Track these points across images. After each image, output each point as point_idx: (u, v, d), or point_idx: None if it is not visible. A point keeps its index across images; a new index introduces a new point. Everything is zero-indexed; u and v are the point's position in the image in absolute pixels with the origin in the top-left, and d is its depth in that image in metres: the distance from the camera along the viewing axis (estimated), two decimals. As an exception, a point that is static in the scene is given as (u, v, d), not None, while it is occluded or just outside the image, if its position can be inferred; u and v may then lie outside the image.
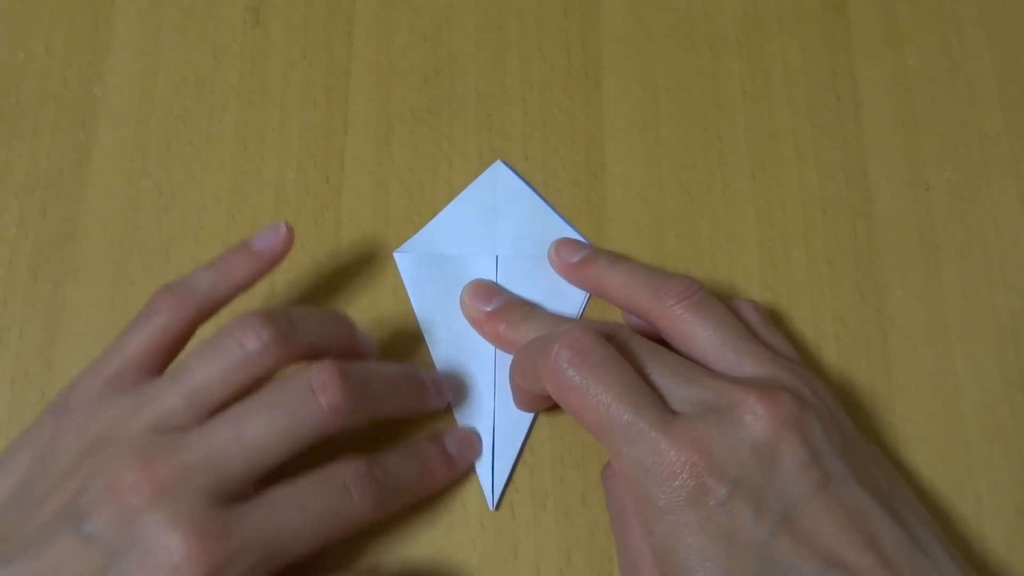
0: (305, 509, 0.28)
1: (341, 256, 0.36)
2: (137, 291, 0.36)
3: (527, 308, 0.34)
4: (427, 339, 0.35)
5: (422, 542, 0.33)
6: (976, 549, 0.33)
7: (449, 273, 0.36)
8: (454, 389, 0.34)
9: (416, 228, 0.37)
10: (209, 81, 0.39)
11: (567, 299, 0.35)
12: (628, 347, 0.30)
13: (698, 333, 0.31)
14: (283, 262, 0.32)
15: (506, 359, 0.34)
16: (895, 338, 0.35)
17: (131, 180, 0.37)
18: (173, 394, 0.29)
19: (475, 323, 0.35)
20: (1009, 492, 0.33)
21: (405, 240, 0.36)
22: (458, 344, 0.35)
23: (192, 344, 0.31)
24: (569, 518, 0.33)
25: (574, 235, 0.36)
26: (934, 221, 0.37)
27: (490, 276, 0.36)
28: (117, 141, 0.38)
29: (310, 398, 0.28)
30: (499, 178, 0.37)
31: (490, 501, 0.33)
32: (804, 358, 0.34)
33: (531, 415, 0.34)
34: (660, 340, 0.32)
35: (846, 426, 0.30)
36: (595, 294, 0.35)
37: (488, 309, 0.34)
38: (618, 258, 0.34)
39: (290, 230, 0.32)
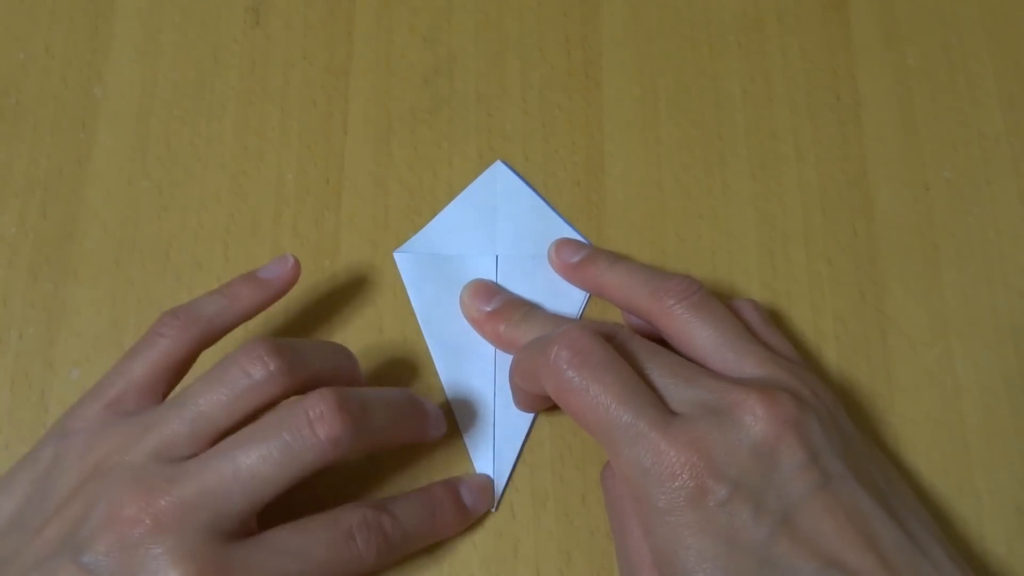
0: (307, 555, 0.28)
1: (341, 256, 0.36)
2: (137, 291, 0.36)
3: (527, 308, 0.34)
4: (427, 339, 0.35)
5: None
6: (976, 549, 0.33)
7: (449, 273, 0.36)
8: (454, 389, 0.34)
9: (416, 228, 0.37)
10: (209, 81, 0.39)
11: (567, 299, 0.35)
12: (628, 348, 0.30)
13: (698, 333, 0.31)
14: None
15: (506, 359, 0.34)
16: (895, 338, 0.35)
17: (131, 180, 0.37)
18: (177, 420, 0.28)
19: (475, 323, 0.35)
20: (1009, 492, 0.33)
21: (405, 240, 0.36)
22: (458, 344, 0.35)
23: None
24: (569, 518, 0.33)
25: (574, 235, 0.36)
26: (934, 221, 0.37)
27: (490, 276, 0.36)
28: (117, 141, 0.38)
29: (307, 430, 0.27)
30: (499, 178, 0.37)
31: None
32: (804, 358, 0.34)
33: (531, 415, 0.34)
34: (660, 340, 0.32)
35: (846, 426, 0.30)
36: (595, 294, 0.35)
37: (488, 309, 0.34)
38: (618, 258, 0.34)
39: (297, 263, 0.32)
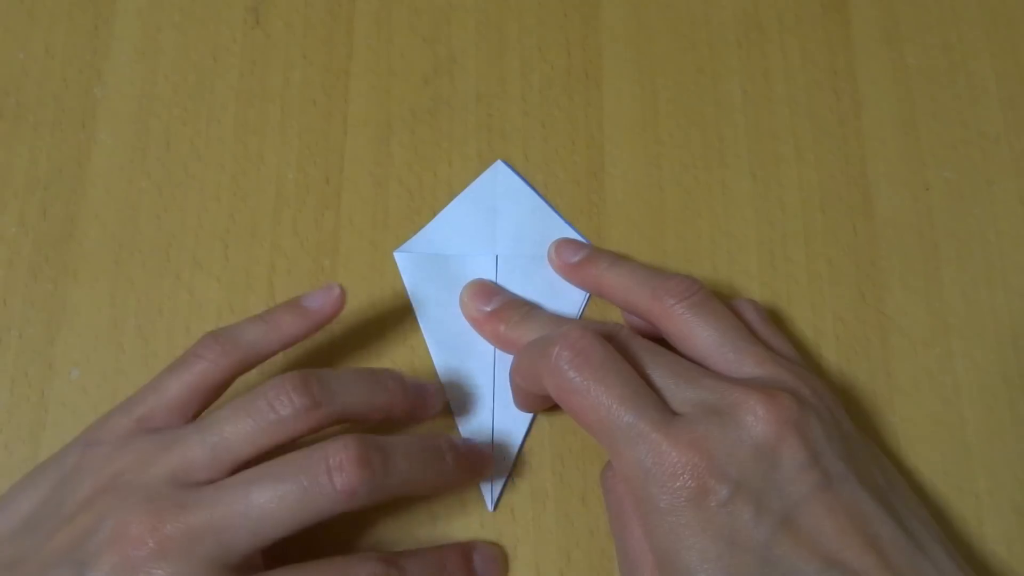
0: None
1: (341, 256, 0.36)
2: (137, 291, 0.36)
3: (527, 308, 0.34)
4: (427, 339, 0.35)
5: (422, 542, 0.32)
6: (976, 549, 0.33)
7: (449, 273, 0.36)
8: (453, 389, 0.34)
9: (416, 228, 0.37)
10: (209, 81, 0.39)
11: (567, 299, 0.35)
12: (628, 348, 0.30)
13: (699, 333, 0.31)
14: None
15: (505, 359, 0.34)
16: (895, 338, 0.35)
17: (131, 180, 0.37)
18: (199, 445, 0.28)
19: (475, 323, 0.35)
20: (1009, 492, 0.33)
21: (405, 240, 0.36)
22: (458, 344, 0.35)
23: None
24: (569, 518, 0.33)
25: (574, 235, 0.36)
26: (934, 221, 0.37)
27: (490, 276, 0.36)
28: (117, 141, 0.38)
29: (324, 478, 0.27)
30: (499, 178, 0.37)
31: (489, 501, 0.33)
32: (804, 358, 0.34)
33: (531, 415, 0.34)
34: (660, 341, 0.32)
35: (846, 426, 0.30)
36: (595, 294, 0.35)
37: (488, 309, 0.34)
38: (618, 258, 0.34)
39: (343, 293, 0.32)
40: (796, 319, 0.36)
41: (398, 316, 0.35)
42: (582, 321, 0.35)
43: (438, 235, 0.36)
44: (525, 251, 0.36)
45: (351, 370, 0.31)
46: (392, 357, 0.35)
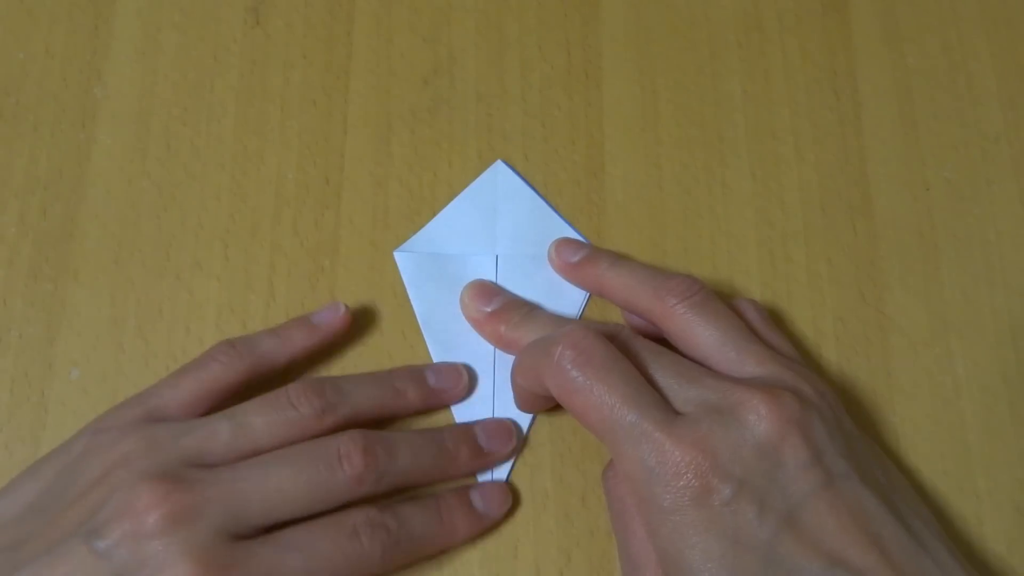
0: (312, 549, 0.28)
1: (341, 256, 0.36)
2: (137, 291, 0.35)
3: (527, 309, 0.34)
4: (427, 339, 0.35)
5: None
6: (976, 549, 0.33)
7: (449, 273, 0.36)
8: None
9: (416, 228, 0.37)
10: (209, 81, 0.39)
11: (567, 299, 0.35)
12: (630, 348, 0.30)
13: (700, 332, 0.31)
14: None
15: (505, 359, 0.34)
16: (895, 338, 0.35)
17: (131, 180, 0.37)
18: (223, 424, 0.30)
19: (475, 323, 0.35)
20: (1009, 492, 0.33)
21: (405, 240, 0.36)
22: (458, 344, 0.35)
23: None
24: (569, 518, 0.33)
25: (574, 235, 0.36)
26: (934, 221, 0.37)
27: (490, 276, 0.36)
28: (117, 141, 0.38)
29: (336, 464, 0.29)
30: (499, 178, 0.37)
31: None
32: (804, 358, 0.34)
33: (531, 416, 0.34)
34: (660, 341, 0.32)
35: (848, 425, 0.30)
36: (595, 294, 0.35)
37: (488, 310, 0.34)
38: (619, 258, 0.34)
39: (348, 312, 0.34)
40: (796, 319, 0.36)
41: (398, 316, 0.35)
42: (584, 321, 0.35)
43: (438, 235, 0.36)
44: (525, 251, 0.36)
45: (366, 377, 0.33)
46: (392, 357, 0.35)
